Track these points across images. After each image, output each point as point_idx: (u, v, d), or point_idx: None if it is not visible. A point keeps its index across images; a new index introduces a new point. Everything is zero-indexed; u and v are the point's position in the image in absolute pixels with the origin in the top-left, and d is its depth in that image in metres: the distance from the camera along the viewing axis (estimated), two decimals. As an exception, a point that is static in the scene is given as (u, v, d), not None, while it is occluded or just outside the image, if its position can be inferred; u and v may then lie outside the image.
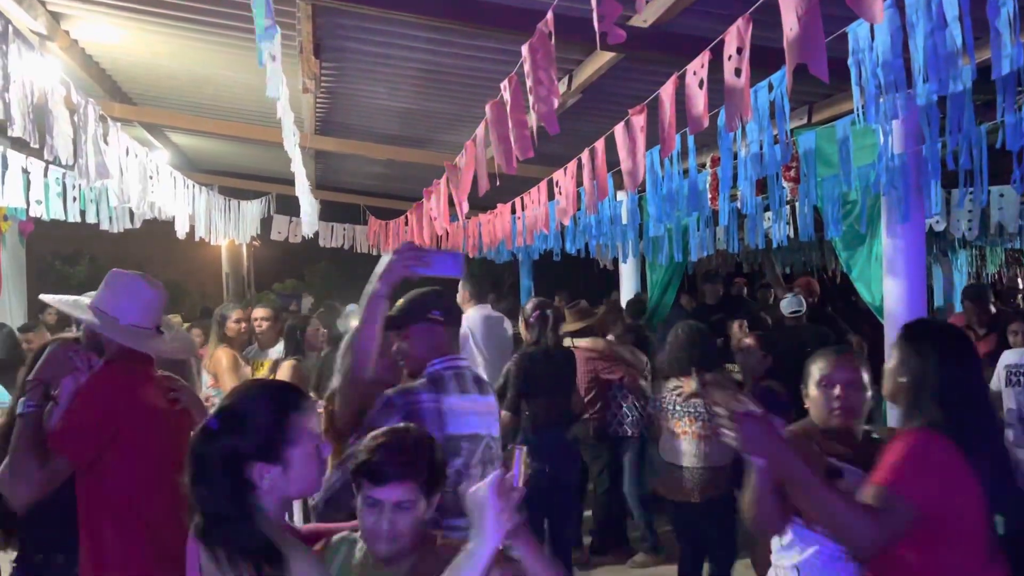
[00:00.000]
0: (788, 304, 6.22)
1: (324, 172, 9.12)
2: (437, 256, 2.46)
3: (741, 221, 5.91)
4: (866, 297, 4.37)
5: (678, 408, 4.17)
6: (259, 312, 5.31)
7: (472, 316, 5.41)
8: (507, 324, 5.71)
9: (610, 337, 5.55)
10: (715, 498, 4.07)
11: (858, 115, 2.72)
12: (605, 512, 5.53)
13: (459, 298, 5.40)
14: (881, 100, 2.67)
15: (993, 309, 6.18)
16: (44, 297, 2.74)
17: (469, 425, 2.52)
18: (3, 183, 4.66)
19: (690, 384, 4.10)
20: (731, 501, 3.96)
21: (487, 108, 3.05)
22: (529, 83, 2.53)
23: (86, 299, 2.58)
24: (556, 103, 2.46)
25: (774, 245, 5.20)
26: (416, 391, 2.44)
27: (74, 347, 2.45)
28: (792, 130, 4.14)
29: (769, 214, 5.72)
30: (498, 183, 3.29)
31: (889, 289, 3.93)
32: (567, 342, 5.15)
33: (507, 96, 2.85)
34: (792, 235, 5.53)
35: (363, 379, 2.40)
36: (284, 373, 4.58)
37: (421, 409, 2.41)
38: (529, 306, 4.81)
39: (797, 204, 5.25)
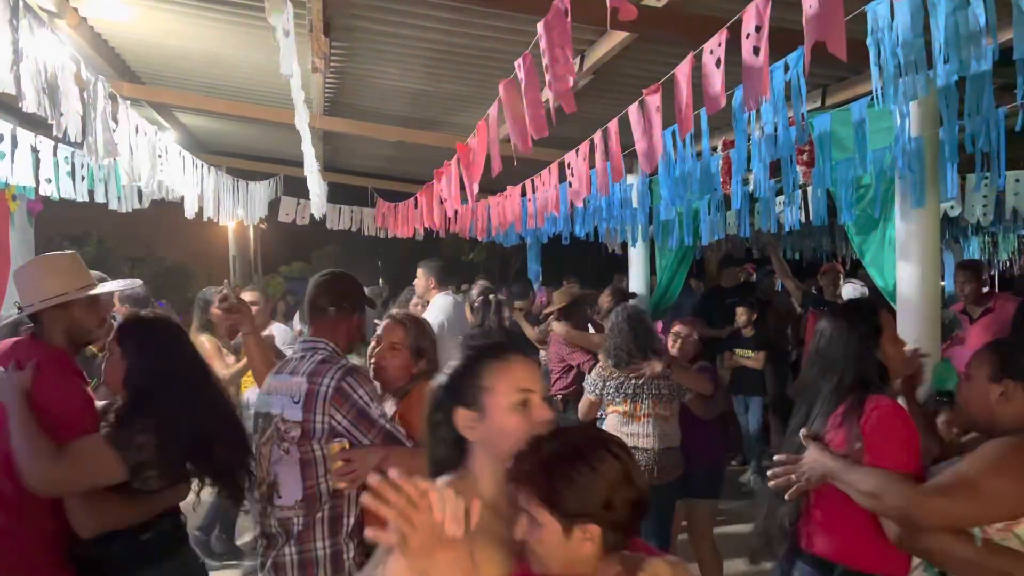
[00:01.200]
0: (851, 290, 6.16)
1: (332, 154, 9.09)
2: None
3: (752, 206, 5.88)
4: (879, 282, 4.35)
5: (640, 391, 4.26)
6: (246, 296, 5.06)
7: (441, 304, 5.47)
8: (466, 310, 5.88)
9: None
10: (669, 481, 4.19)
11: (876, 97, 2.68)
12: None
13: (423, 285, 5.57)
14: (899, 81, 2.63)
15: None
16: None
17: (266, 404, 2.69)
18: (13, 161, 4.64)
19: (655, 366, 4.21)
20: (677, 484, 4.21)
21: (501, 87, 3.02)
22: (545, 61, 2.50)
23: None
24: (572, 82, 2.43)
25: (786, 229, 5.17)
26: None
27: None
28: (806, 113, 4.11)
29: (781, 198, 5.69)
30: (515, 164, 3.26)
31: (902, 274, 3.91)
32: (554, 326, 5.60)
33: (521, 75, 2.82)
34: (804, 220, 5.51)
35: None
36: None
37: None
38: (475, 291, 5.11)
39: (810, 189, 5.23)
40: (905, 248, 3.88)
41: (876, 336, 2.42)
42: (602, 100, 5.28)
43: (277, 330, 5.39)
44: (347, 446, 2.51)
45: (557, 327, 5.69)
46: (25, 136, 4.79)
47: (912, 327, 3.71)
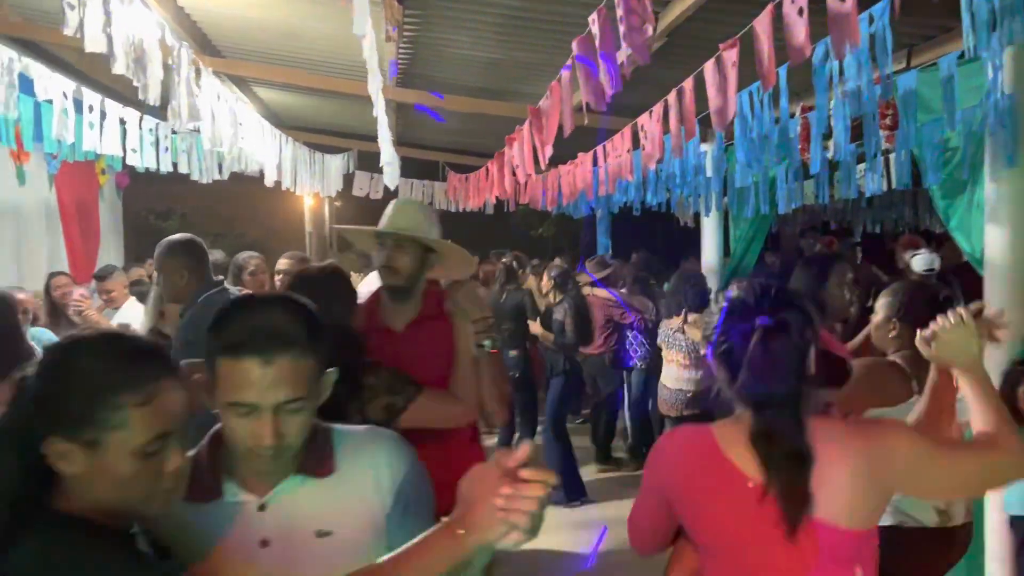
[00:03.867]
0: (921, 261, 5.96)
1: (404, 128, 9.19)
2: None
3: (832, 174, 5.71)
4: (965, 248, 4.17)
5: (670, 341, 5.27)
6: (282, 263, 5.19)
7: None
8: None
9: (623, 290, 7.02)
10: (685, 416, 5.07)
11: (967, 48, 2.57)
12: (601, 432, 7.06)
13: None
14: (994, 30, 2.52)
15: None
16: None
17: None
18: (102, 132, 4.82)
19: (676, 322, 5.19)
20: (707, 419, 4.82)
21: (575, 44, 3.00)
22: (620, 12, 2.47)
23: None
24: (651, 31, 2.40)
25: (867, 195, 5.01)
26: None
27: None
28: (890, 75, 3.96)
29: (862, 166, 5.51)
30: (585, 121, 3.24)
31: (991, 238, 3.74)
32: (586, 291, 6.61)
33: (596, 30, 2.80)
34: (886, 188, 5.32)
35: None
36: None
37: None
38: (553, 271, 6.52)
39: (892, 155, 5.05)
40: (995, 211, 3.71)
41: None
42: (675, 64, 5.17)
43: None
44: None
45: (601, 292, 6.75)
46: (113, 108, 4.96)
47: (1000, 293, 3.55)
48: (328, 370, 1.48)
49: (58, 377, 1.24)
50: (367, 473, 1.51)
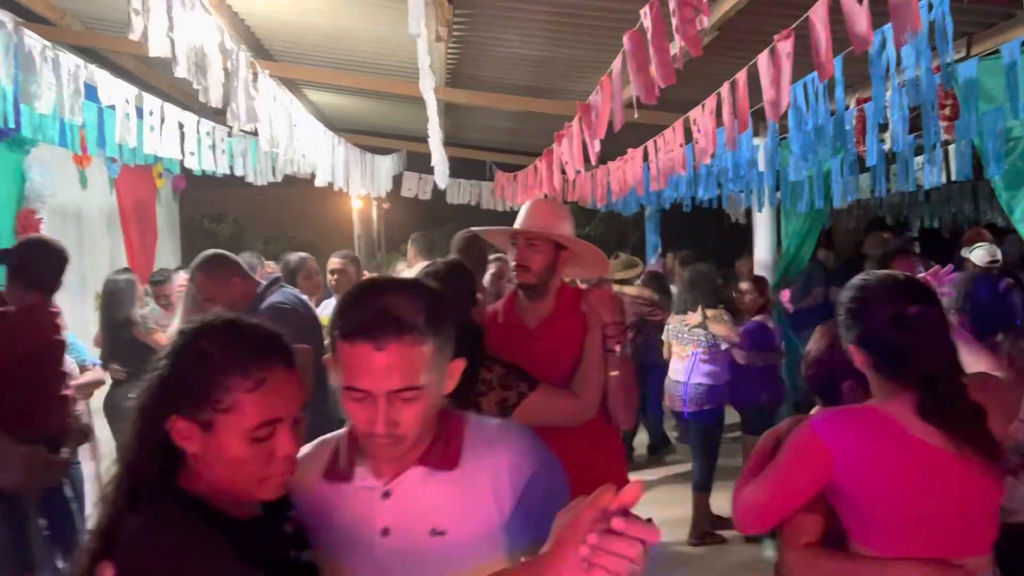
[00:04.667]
0: (982, 254, 5.82)
1: (452, 128, 9.25)
2: None
3: (888, 168, 5.60)
4: (1030, 240, 4.07)
5: (685, 336, 5.25)
6: (333, 262, 5.26)
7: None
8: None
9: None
10: (703, 410, 5.11)
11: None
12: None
13: (411, 256, 6.25)
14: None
15: None
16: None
17: None
18: (162, 135, 4.94)
19: (694, 317, 5.17)
20: (719, 413, 5.19)
21: (626, 38, 3.00)
22: (673, 5, 2.47)
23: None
24: (706, 22, 2.39)
25: (925, 187, 4.90)
26: None
27: None
28: (950, 63, 3.87)
29: (920, 159, 5.39)
30: (636, 116, 3.23)
31: (1058, 230, 3.64)
32: (616, 288, 6.33)
33: (647, 23, 2.79)
34: (946, 180, 5.20)
35: None
36: None
37: None
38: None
39: (951, 147, 4.94)
40: (1061, 202, 3.62)
41: None
42: (726, 58, 5.12)
43: None
44: None
45: (640, 291, 6.74)
46: (172, 111, 5.09)
47: (1069, 285, 3.46)
48: (454, 359, 1.43)
49: (181, 358, 1.29)
50: (488, 473, 1.43)
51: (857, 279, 1.98)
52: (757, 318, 5.40)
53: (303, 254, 5.30)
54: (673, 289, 6.84)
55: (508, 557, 1.36)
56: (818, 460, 1.83)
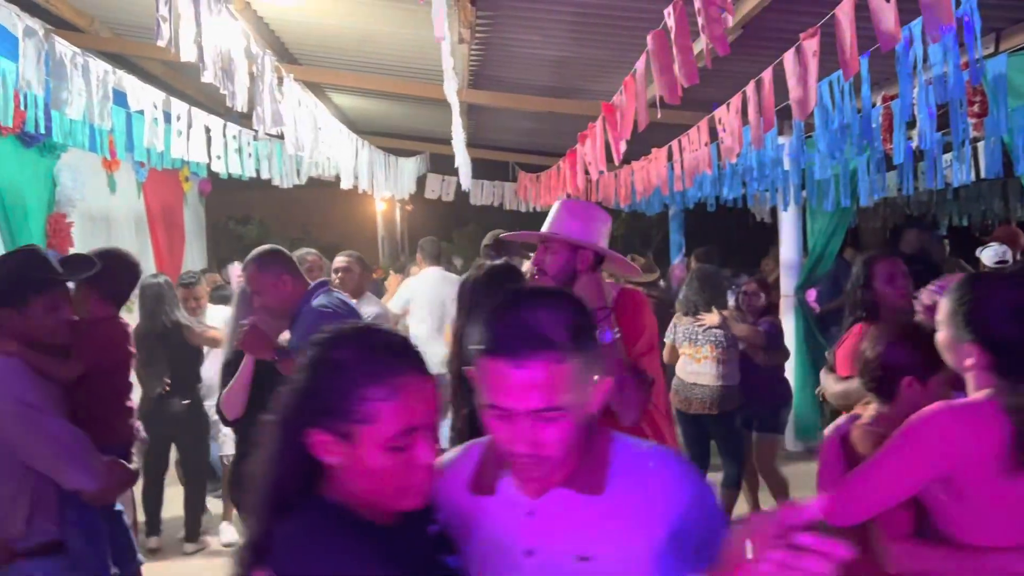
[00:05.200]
0: (991, 254, 5.78)
1: (475, 129, 9.27)
2: None
3: (916, 166, 5.53)
4: (1062, 237, 4.00)
5: (700, 337, 5.15)
6: (337, 261, 5.22)
7: (424, 276, 6.34)
8: (453, 283, 6.49)
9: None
10: (728, 411, 5.09)
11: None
12: None
13: (417, 259, 6.50)
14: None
15: None
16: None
17: None
18: (189, 140, 5.00)
19: (712, 318, 5.09)
20: (741, 413, 5.20)
21: (649, 38, 2.99)
22: (698, 4, 2.46)
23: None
24: (731, 21, 2.38)
25: (954, 185, 4.84)
26: None
27: None
28: (978, 59, 3.82)
29: (948, 156, 5.33)
30: (659, 115, 3.22)
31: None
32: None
33: (671, 23, 2.78)
34: (975, 177, 5.14)
35: None
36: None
37: None
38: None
39: (980, 144, 4.87)
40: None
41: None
42: (748, 56, 5.10)
43: (369, 300, 5.44)
44: None
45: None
46: (199, 116, 5.15)
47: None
48: (595, 377, 1.35)
49: (317, 370, 1.28)
50: (638, 499, 1.36)
51: (965, 277, 2.00)
52: (767, 319, 5.35)
53: (307, 249, 5.24)
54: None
55: None
56: (940, 451, 1.84)
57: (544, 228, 2.76)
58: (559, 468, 1.35)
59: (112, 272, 3.50)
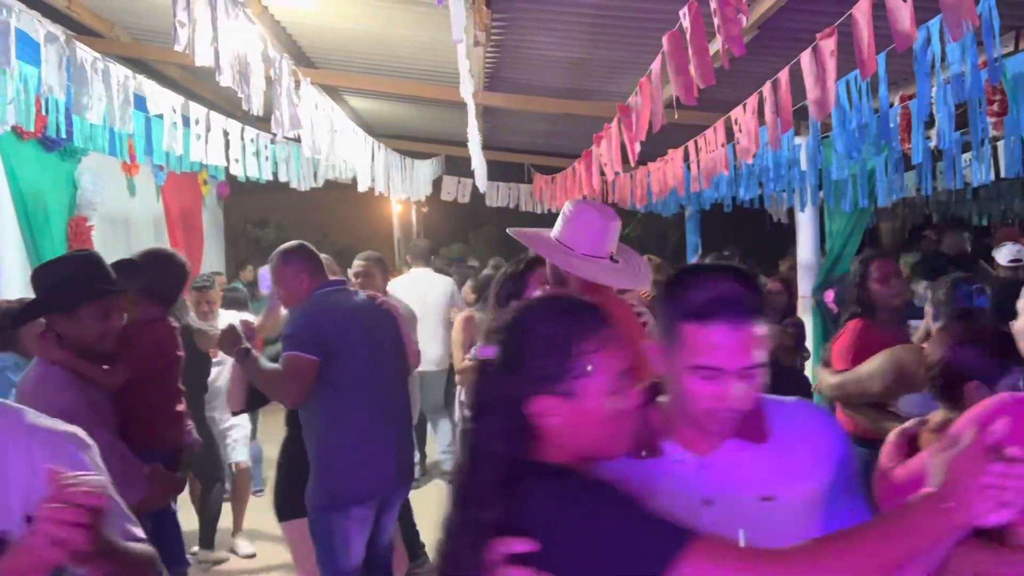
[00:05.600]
0: (1006, 253, 5.73)
1: (490, 132, 9.28)
2: None
3: (934, 165, 5.49)
4: (1084, 237, 3.96)
5: None
6: (356, 266, 5.18)
7: (401, 279, 6.59)
8: (437, 283, 6.75)
9: None
10: None
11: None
12: None
13: (407, 259, 6.73)
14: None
15: None
16: (511, 230, 2.95)
17: None
18: (207, 143, 5.05)
19: None
20: None
21: (665, 39, 2.99)
22: (713, 5, 2.46)
23: (548, 232, 2.78)
24: (745, 22, 2.38)
25: (973, 184, 4.81)
26: None
27: None
28: (997, 58, 3.79)
29: (967, 155, 5.29)
30: (676, 116, 3.22)
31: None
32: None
33: (687, 23, 2.78)
34: (994, 176, 5.09)
35: None
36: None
37: None
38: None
39: (1000, 143, 4.83)
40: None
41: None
42: (766, 57, 5.08)
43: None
44: None
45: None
46: (217, 120, 5.19)
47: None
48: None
49: (525, 343, 1.38)
50: (802, 444, 1.56)
51: None
52: (791, 319, 5.32)
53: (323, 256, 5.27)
54: None
55: (826, 524, 1.49)
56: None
57: (554, 234, 2.72)
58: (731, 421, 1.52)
59: (157, 273, 3.44)
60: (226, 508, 5.48)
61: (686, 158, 5.56)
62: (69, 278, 2.66)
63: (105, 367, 2.79)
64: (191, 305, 5.22)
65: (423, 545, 4.74)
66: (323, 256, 5.07)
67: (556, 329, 1.38)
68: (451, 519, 1.38)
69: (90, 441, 1.65)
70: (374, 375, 3.44)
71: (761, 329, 1.47)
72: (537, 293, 2.69)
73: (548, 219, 10.75)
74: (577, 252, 2.60)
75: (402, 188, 8.37)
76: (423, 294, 6.29)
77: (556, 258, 2.62)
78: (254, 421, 6.22)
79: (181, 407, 3.50)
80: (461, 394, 5.15)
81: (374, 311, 3.59)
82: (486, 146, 9.58)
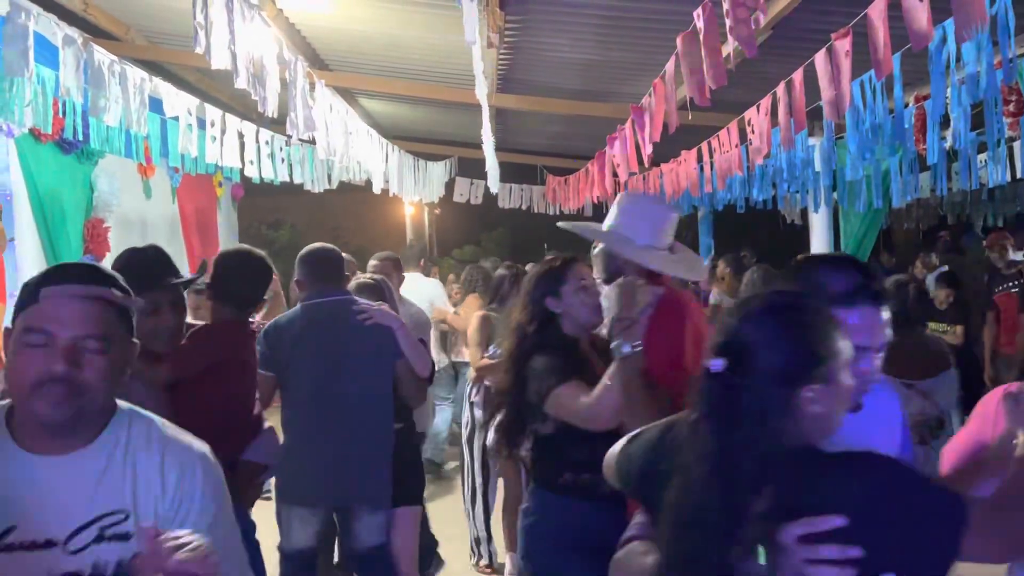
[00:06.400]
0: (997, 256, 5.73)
1: (503, 133, 9.29)
2: None
3: (949, 166, 5.47)
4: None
5: None
6: (372, 266, 5.07)
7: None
8: (425, 287, 6.82)
9: None
10: None
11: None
12: None
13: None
14: None
15: None
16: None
17: None
18: (222, 145, 5.07)
19: None
20: None
21: (679, 40, 3.00)
22: (727, 5, 2.46)
23: (596, 225, 2.79)
24: (761, 21, 2.38)
25: (989, 185, 4.78)
26: None
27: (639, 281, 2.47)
28: (1013, 58, 3.77)
29: (983, 156, 5.27)
30: (690, 117, 3.22)
31: None
32: None
33: (700, 24, 2.78)
34: (1010, 177, 5.07)
35: None
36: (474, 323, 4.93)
37: None
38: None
39: (1016, 144, 4.81)
40: None
41: None
42: (779, 57, 5.07)
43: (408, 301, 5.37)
44: None
45: None
46: (232, 122, 5.22)
47: None
48: None
49: (785, 336, 1.45)
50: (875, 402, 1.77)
51: None
52: None
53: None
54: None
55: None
56: None
57: (607, 225, 2.70)
58: None
59: (228, 274, 3.27)
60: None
61: (699, 159, 5.56)
62: (121, 271, 2.60)
63: (151, 365, 2.66)
64: (191, 308, 5.17)
65: (437, 556, 4.76)
66: (345, 256, 5.09)
67: (811, 318, 1.46)
68: (709, 518, 1.39)
69: (214, 460, 1.63)
70: (327, 389, 3.40)
71: (887, 312, 1.70)
72: (580, 287, 2.63)
73: (561, 220, 10.77)
74: (637, 242, 2.55)
75: (415, 190, 8.40)
76: (417, 297, 6.31)
77: (622, 249, 2.56)
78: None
79: (257, 414, 3.26)
80: (472, 393, 5.11)
81: (346, 327, 3.42)
82: (499, 147, 9.59)
